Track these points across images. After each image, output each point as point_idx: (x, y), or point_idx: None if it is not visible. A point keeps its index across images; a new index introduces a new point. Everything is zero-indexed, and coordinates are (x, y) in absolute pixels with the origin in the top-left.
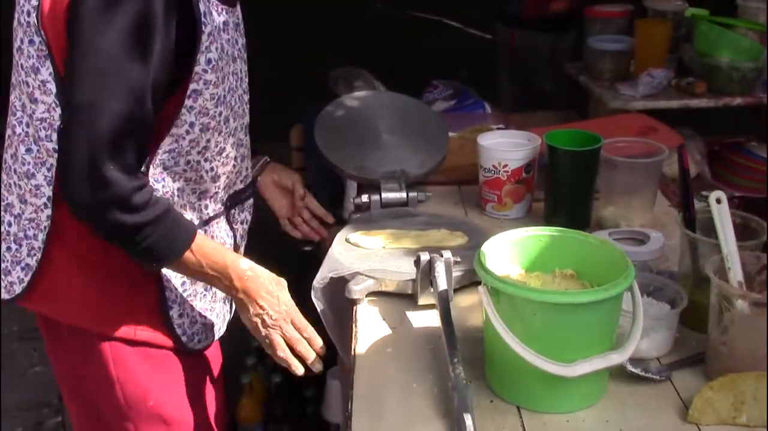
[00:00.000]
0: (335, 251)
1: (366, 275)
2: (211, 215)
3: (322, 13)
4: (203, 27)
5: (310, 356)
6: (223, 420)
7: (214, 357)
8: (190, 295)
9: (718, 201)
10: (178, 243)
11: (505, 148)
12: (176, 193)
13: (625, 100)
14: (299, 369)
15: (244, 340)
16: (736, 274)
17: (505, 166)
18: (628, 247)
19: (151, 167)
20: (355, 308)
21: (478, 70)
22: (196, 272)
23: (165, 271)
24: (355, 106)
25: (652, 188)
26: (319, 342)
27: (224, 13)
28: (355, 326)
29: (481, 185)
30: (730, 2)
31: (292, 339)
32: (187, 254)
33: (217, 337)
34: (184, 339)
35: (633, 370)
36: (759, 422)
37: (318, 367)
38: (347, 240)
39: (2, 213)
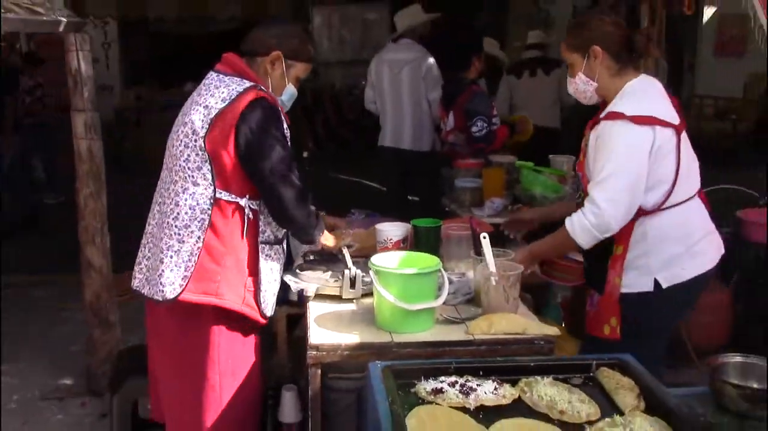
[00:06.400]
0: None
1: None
2: (280, 236)
3: None
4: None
5: None
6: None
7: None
8: (269, 280)
9: (484, 237)
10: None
11: (390, 230)
12: (262, 219)
13: (478, 219)
14: None
15: None
16: (491, 269)
17: (391, 239)
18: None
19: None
20: (307, 303)
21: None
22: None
23: (261, 264)
24: None
25: (467, 252)
26: None
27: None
28: (308, 310)
29: (378, 251)
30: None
31: None
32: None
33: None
34: (266, 311)
35: (447, 317)
36: (498, 332)
37: None
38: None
39: (166, 251)
